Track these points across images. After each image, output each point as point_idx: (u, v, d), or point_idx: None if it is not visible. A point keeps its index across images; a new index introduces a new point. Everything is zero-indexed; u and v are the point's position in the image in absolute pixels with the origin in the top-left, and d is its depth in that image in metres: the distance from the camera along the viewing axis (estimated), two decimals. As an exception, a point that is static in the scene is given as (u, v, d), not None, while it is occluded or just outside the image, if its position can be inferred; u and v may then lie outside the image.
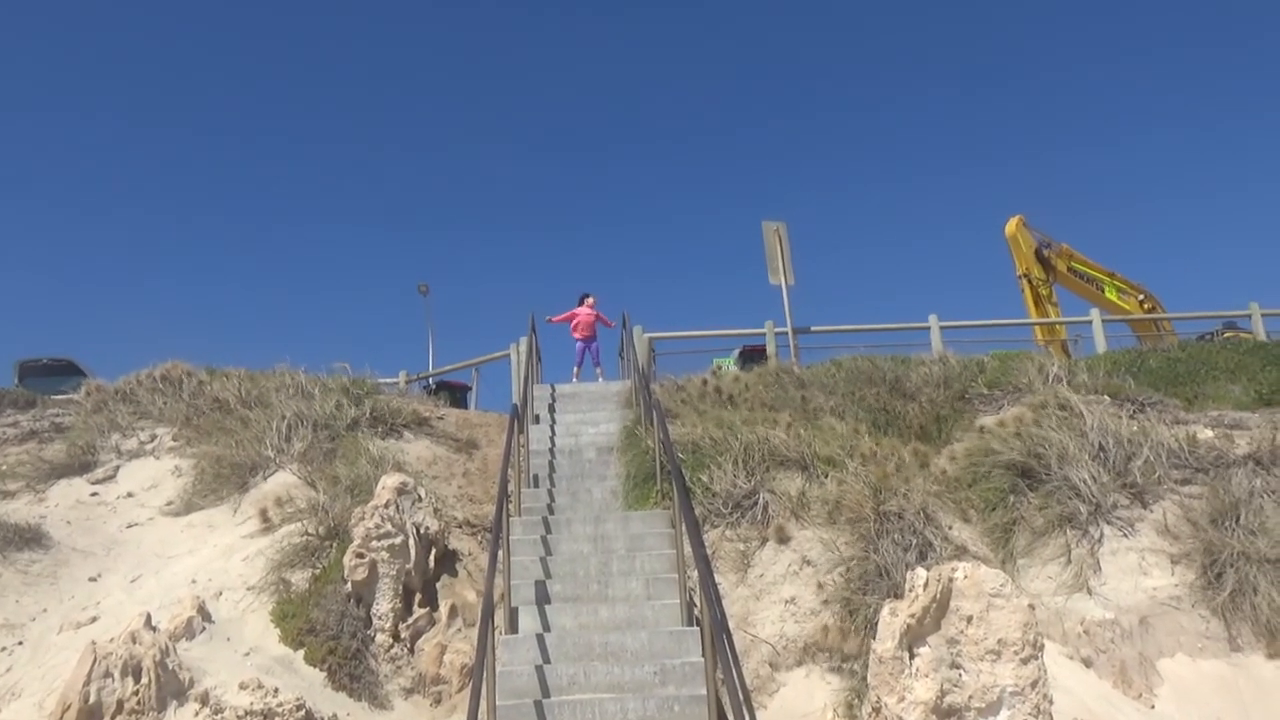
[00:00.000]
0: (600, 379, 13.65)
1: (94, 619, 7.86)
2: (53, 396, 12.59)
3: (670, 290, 44.71)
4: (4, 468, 10.31)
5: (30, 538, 8.79)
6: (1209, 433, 9.30)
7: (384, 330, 41.71)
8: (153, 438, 10.94)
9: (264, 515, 9.22)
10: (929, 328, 14.33)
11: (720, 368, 13.57)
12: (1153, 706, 7.04)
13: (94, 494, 9.92)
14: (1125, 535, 8.28)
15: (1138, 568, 8.01)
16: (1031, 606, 5.81)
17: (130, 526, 9.35)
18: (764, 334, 14.47)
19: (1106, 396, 10.34)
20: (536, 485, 9.76)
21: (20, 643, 7.69)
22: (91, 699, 6.28)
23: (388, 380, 14.47)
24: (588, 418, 11.53)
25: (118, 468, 10.36)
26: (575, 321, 14.00)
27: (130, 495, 9.90)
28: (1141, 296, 18.13)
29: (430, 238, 44.01)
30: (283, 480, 9.87)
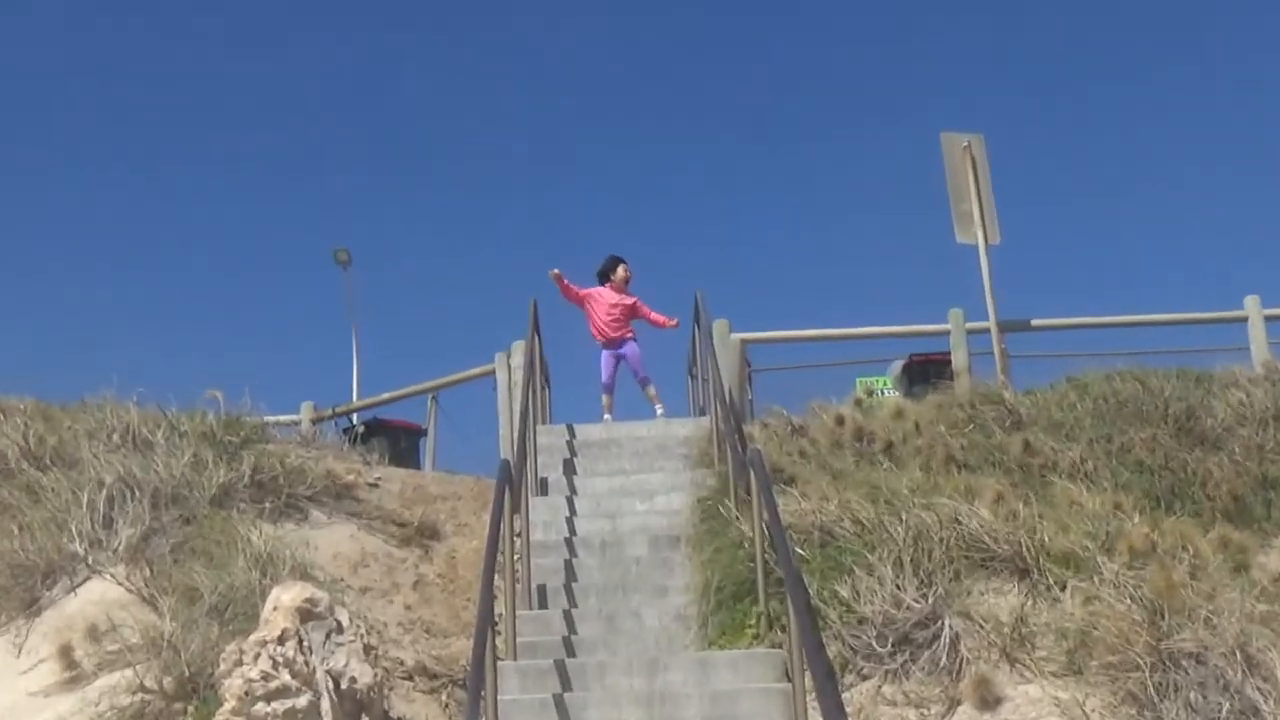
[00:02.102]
0: (658, 412, 13.86)
1: None
2: None
3: (760, 265, 44.88)
4: None
5: None
6: None
7: (275, 336, 42.04)
8: None
9: (68, 656, 9.27)
10: (1245, 319, 14.43)
11: (871, 393, 13.89)
12: None
13: None
14: None
15: None
16: None
17: None
18: (945, 333, 14.54)
19: None
20: (544, 604, 9.94)
21: None
22: None
23: (283, 418, 14.71)
24: (634, 484, 11.81)
25: None
26: (593, 311, 14.11)
27: None
28: None
29: (355, 191, 44.71)
30: (101, 594, 9.96)
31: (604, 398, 13.96)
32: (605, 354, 14.01)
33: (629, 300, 14.12)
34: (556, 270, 13.98)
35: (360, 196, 44.19)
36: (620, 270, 14.21)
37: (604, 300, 14.05)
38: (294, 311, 43.68)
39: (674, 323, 14.36)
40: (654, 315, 14.22)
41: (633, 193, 46.46)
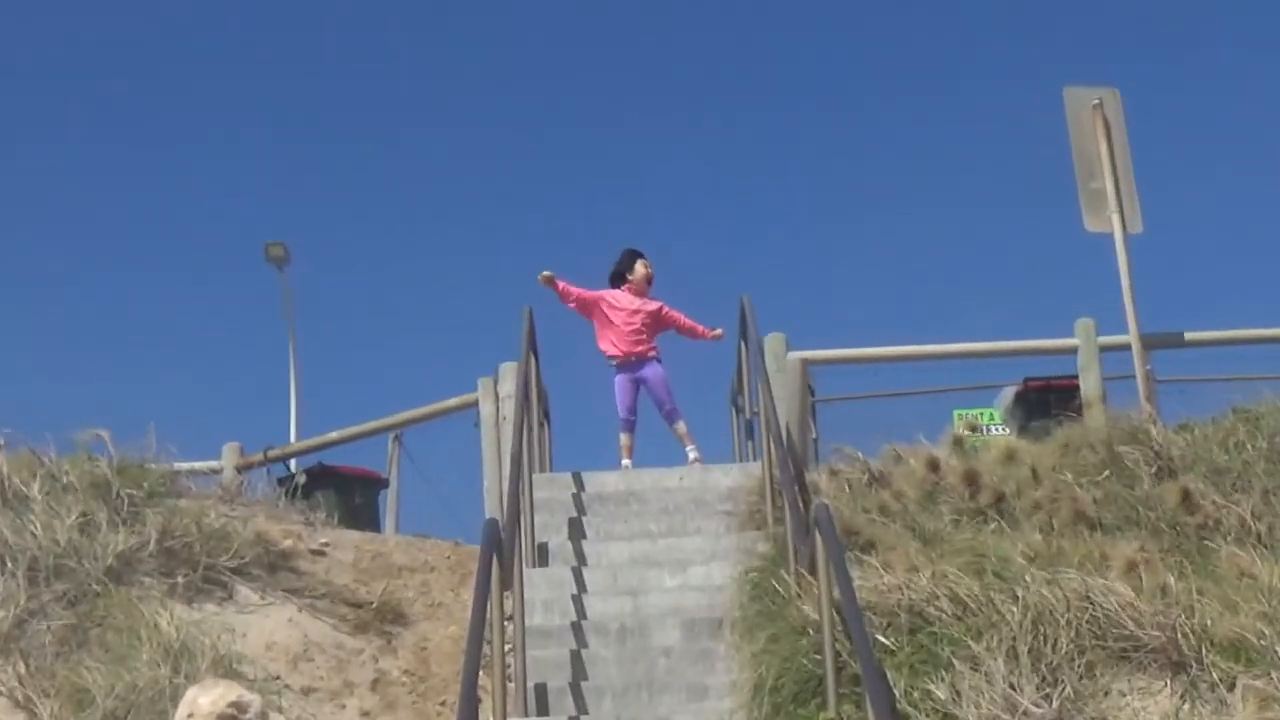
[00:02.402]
0: (692, 456, 13.90)
1: None
2: None
3: (818, 265, 44.84)
4: None
5: None
6: None
7: (188, 358, 42.03)
8: None
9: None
10: None
11: (974, 429, 13.84)
12: None
13: None
14: None
15: None
16: None
17: None
18: (1070, 350, 14.51)
19: None
20: (544, 711, 9.95)
21: None
22: None
23: (200, 465, 14.80)
24: (662, 551, 11.84)
25: None
26: (605, 321, 14.15)
27: None
28: None
29: (289, 180, 44.68)
30: (-41, 699, 10.05)
31: (621, 436, 13.96)
32: (621, 378, 14.01)
33: (652, 305, 14.14)
34: (547, 272, 14.01)
35: (296, 187, 44.62)
36: (640, 267, 14.25)
37: (620, 306, 14.08)
38: (213, 326, 43.91)
39: (717, 333, 14.44)
40: (689, 323, 14.30)
41: (639, 182, 46.81)
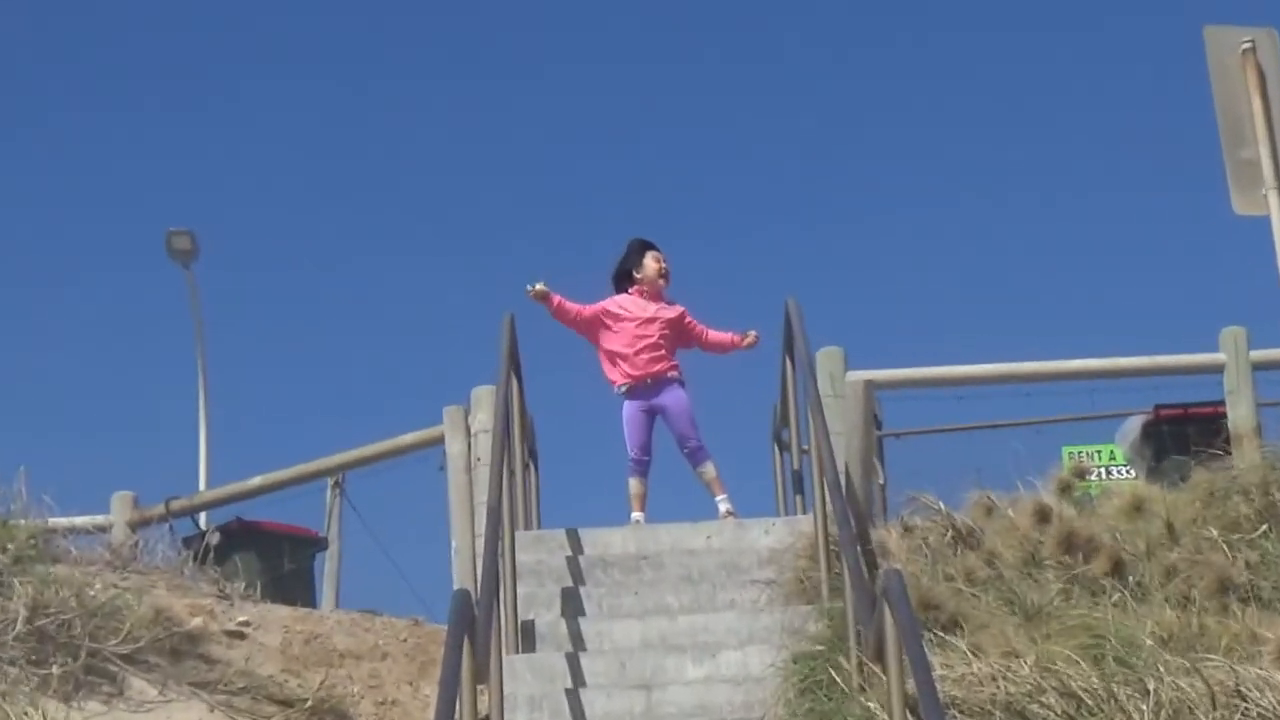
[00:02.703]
0: (723, 509, 13.90)
1: None
2: None
3: (876, 266, 45.06)
4: None
5: None
6: None
7: (76, 396, 42.53)
8: None
9: None
10: None
11: (1086, 473, 13.80)
12: None
13: None
14: None
15: None
16: None
17: None
18: (1212, 369, 14.48)
19: None
20: None
21: None
22: None
23: (81, 521, 14.75)
24: (683, 632, 11.82)
25: None
26: (611, 336, 14.16)
27: None
28: None
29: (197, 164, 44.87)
30: None
31: (631, 483, 13.99)
32: (631, 408, 14.02)
33: (672, 311, 14.19)
34: (541, 285, 13.97)
35: (202, 171, 44.70)
36: (651, 262, 14.28)
37: (629, 315, 14.09)
38: (98, 340, 44.26)
39: (750, 339, 14.47)
40: (717, 337, 14.33)
41: (643, 176, 46.93)
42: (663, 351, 14.05)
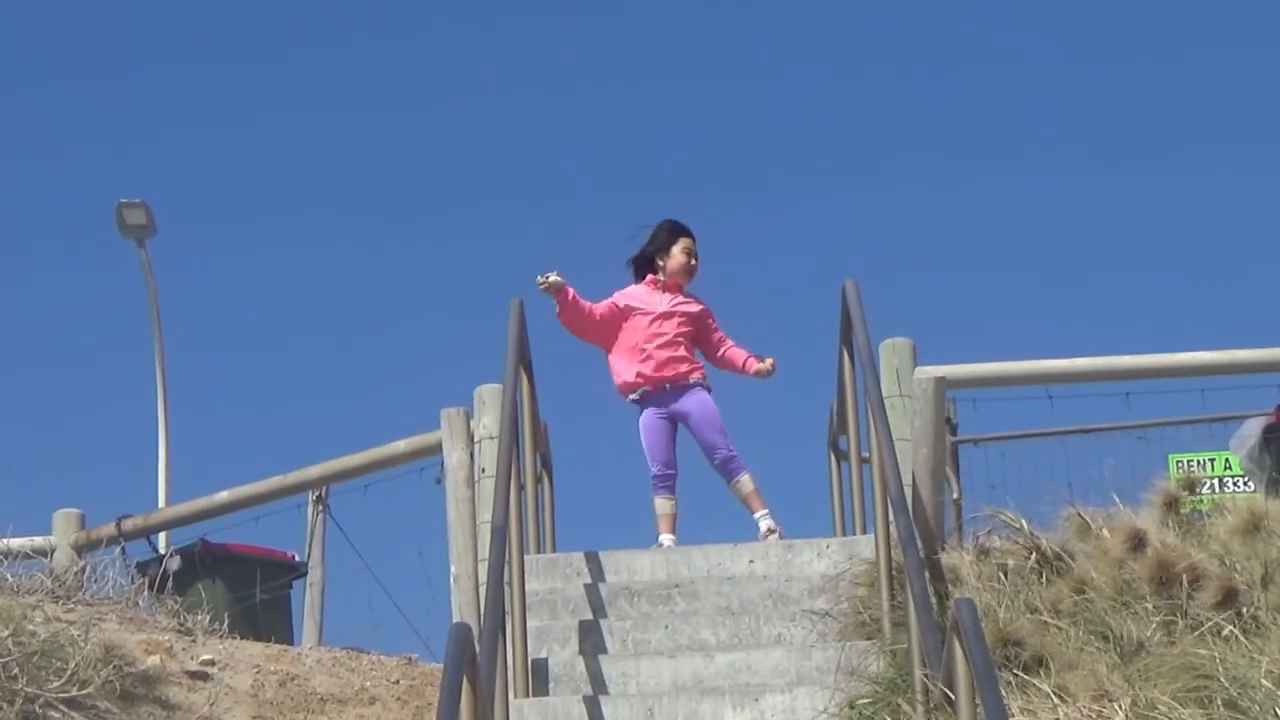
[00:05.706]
0: (763, 527, 13.44)
1: None
2: None
3: (937, 247, 44.82)
4: None
5: None
6: None
7: (13, 397, 43.47)
8: None
9: None
10: None
11: (1196, 486, 13.65)
12: None
13: None
14: None
15: None
16: None
17: None
18: None
19: None
20: None
21: None
22: None
23: (18, 543, 14.78)
24: (723, 672, 11.50)
25: None
26: (624, 334, 13.72)
27: None
28: None
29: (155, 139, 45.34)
30: None
31: (657, 501, 13.48)
32: (649, 416, 13.51)
33: (692, 306, 13.71)
34: (555, 275, 13.39)
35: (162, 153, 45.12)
36: (680, 253, 13.73)
37: (644, 308, 13.62)
38: (41, 332, 44.94)
39: (767, 365, 13.83)
40: (731, 353, 13.80)
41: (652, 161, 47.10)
42: (682, 351, 13.66)
